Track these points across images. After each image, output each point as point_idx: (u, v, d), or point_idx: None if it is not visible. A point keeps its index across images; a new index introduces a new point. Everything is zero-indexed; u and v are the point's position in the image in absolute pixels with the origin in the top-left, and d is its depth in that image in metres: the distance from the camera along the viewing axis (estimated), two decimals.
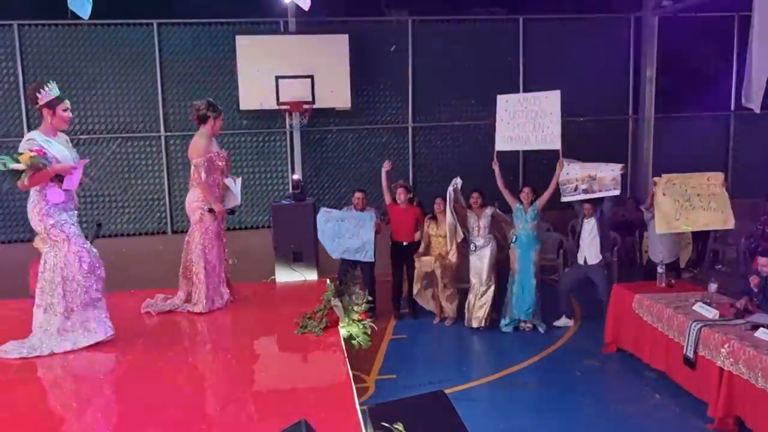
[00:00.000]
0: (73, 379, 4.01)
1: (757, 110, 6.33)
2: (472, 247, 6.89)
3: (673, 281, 6.02)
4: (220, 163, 5.24)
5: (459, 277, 7.12)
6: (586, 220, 6.70)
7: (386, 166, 7.24)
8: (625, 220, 8.84)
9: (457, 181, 6.80)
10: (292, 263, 6.46)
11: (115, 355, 4.30)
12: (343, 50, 8.70)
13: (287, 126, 9.13)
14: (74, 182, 4.30)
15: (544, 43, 9.50)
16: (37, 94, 4.19)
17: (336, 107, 8.91)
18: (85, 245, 4.38)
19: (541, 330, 6.73)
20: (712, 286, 5.46)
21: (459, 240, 6.88)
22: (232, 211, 5.36)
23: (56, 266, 4.27)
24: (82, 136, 8.76)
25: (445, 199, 6.85)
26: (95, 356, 4.29)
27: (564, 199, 6.79)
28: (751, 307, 5.00)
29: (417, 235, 7.18)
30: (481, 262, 6.84)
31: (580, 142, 8.61)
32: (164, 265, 6.33)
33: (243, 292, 5.79)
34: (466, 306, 6.92)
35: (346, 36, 8.75)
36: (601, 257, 6.69)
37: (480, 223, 6.85)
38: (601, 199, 6.64)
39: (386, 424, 2.74)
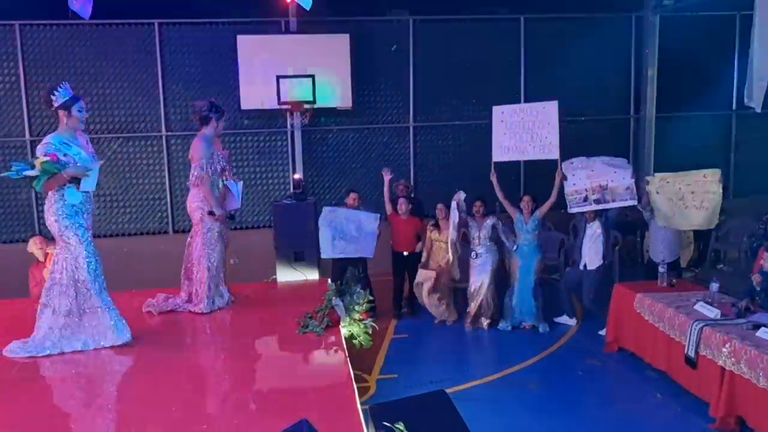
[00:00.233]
0: (74, 378, 4.01)
1: (758, 109, 6.32)
2: (472, 255, 6.88)
3: (674, 281, 6.02)
4: (219, 165, 5.21)
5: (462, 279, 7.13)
6: (588, 224, 6.66)
7: (387, 175, 7.20)
8: (626, 219, 8.83)
9: (460, 196, 6.75)
10: (294, 263, 6.46)
11: (116, 355, 4.30)
12: (344, 50, 8.71)
13: (288, 126, 9.13)
14: (91, 184, 4.30)
15: (545, 43, 9.50)
16: (52, 97, 4.20)
17: (337, 107, 8.92)
18: (96, 250, 4.37)
19: (541, 330, 6.72)
20: (714, 286, 5.45)
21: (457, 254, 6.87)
22: (231, 216, 5.28)
23: (66, 268, 4.26)
24: None
25: (447, 206, 6.85)
26: (96, 356, 4.29)
27: (571, 211, 6.72)
28: (753, 307, 5.00)
29: (419, 246, 7.18)
30: (481, 269, 6.84)
31: (581, 141, 8.59)
32: (165, 265, 6.33)
33: (244, 291, 5.79)
34: (467, 312, 6.91)
35: (347, 36, 8.75)
36: (600, 263, 6.65)
37: (481, 232, 6.84)
38: None
39: (387, 424, 2.74)
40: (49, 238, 6.46)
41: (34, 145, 8.71)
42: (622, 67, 9.90)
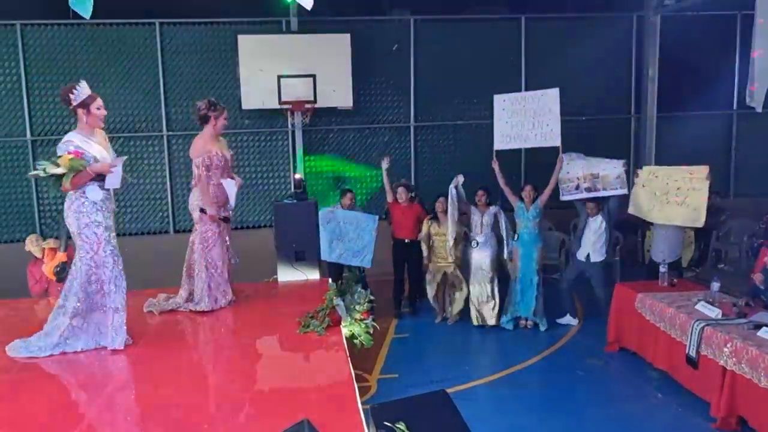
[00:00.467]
0: (74, 378, 4.02)
1: (759, 109, 6.31)
2: (473, 243, 6.88)
3: (675, 280, 6.01)
4: (218, 163, 5.18)
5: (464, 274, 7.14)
6: (591, 218, 6.66)
7: (385, 163, 7.24)
8: (627, 219, 8.83)
9: (459, 179, 6.77)
10: (294, 262, 6.45)
11: (116, 354, 4.30)
12: (345, 49, 8.70)
13: (289, 125, 9.14)
14: (115, 181, 4.27)
15: (546, 42, 9.49)
16: (70, 95, 4.19)
17: (338, 106, 8.91)
18: (116, 250, 4.35)
19: (542, 328, 6.73)
20: (715, 285, 5.45)
21: (456, 243, 6.86)
22: (225, 219, 5.25)
23: (81, 269, 4.26)
24: None
25: (447, 198, 6.85)
26: (96, 355, 4.28)
27: (563, 198, 6.80)
28: (754, 303, 5.00)
29: (419, 235, 7.18)
30: (481, 258, 6.84)
31: (581, 141, 8.58)
32: (167, 265, 6.33)
33: (245, 291, 5.79)
34: (471, 303, 6.91)
35: (348, 35, 8.75)
36: (604, 257, 6.66)
37: (483, 220, 6.85)
38: (606, 198, 6.63)
39: (388, 424, 2.74)
40: (48, 237, 6.50)
41: (35, 144, 8.74)
42: (623, 67, 9.89)
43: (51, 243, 6.35)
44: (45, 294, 6.21)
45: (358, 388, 3.79)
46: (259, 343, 4.69)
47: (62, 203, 8.96)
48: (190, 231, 5.45)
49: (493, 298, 6.84)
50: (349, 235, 6.79)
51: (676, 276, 6.14)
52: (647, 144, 9.89)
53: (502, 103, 7.04)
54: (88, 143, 4.22)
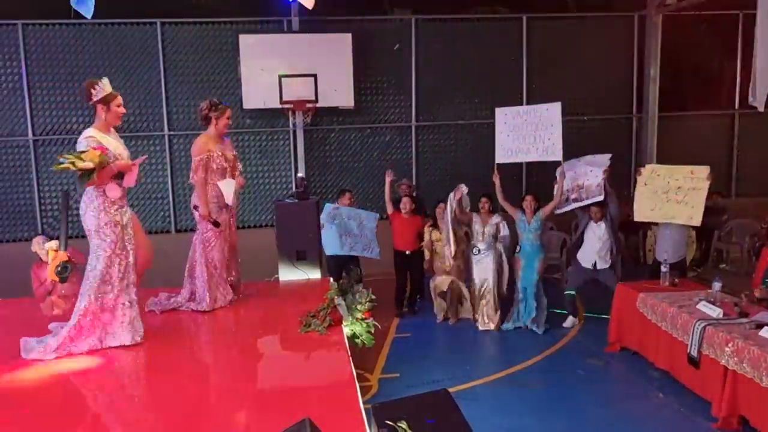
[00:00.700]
0: (74, 377, 4.01)
1: (761, 108, 6.30)
2: (474, 250, 6.88)
3: (676, 280, 6.00)
4: (214, 164, 5.16)
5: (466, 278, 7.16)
6: (596, 225, 6.64)
7: (389, 176, 7.21)
8: (628, 219, 8.83)
9: (463, 189, 6.76)
10: (296, 262, 6.46)
11: (117, 353, 4.30)
12: (346, 49, 8.71)
13: (290, 125, 9.15)
14: (132, 180, 4.30)
15: (547, 42, 9.49)
16: (92, 90, 4.20)
17: (339, 106, 8.93)
18: (129, 248, 4.36)
19: (539, 332, 6.69)
20: (716, 285, 5.44)
21: (453, 248, 6.83)
22: (215, 223, 5.20)
23: (96, 267, 4.27)
24: None
25: (445, 204, 6.85)
26: (97, 354, 4.28)
27: (558, 212, 6.85)
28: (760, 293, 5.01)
29: (422, 243, 7.19)
30: (483, 266, 6.84)
31: (583, 140, 8.61)
32: (168, 264, 6.33)
33: (246, 290, 5.79)
34: (473, 308, 6.92)
35: (350, 35, 8.75)
36: (610, 262, 6.65)
37: (485, 229, 6.84)
38: (606, 203, 6.61)
39: (390, 423, 2.74)
40: (53, 237, 6.47)
41: (36, 144, 8.75)
42: (624, 67, 9.89)
43: (54, 245, 6.30)
44: (49, 296, 6.19)
45: (360, 387, 3.79)
46: (260, 343, 4.69)
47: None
48: (191, 230, 5.47)
49: (493, 304, 6.83)
50: (353, 230, 6.83)
51: (678, 276, 6.12)
52: (649, 144, 9.89)
53: (503, 116, 7.02)
54: (106, 140, 4.25)
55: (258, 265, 6.80)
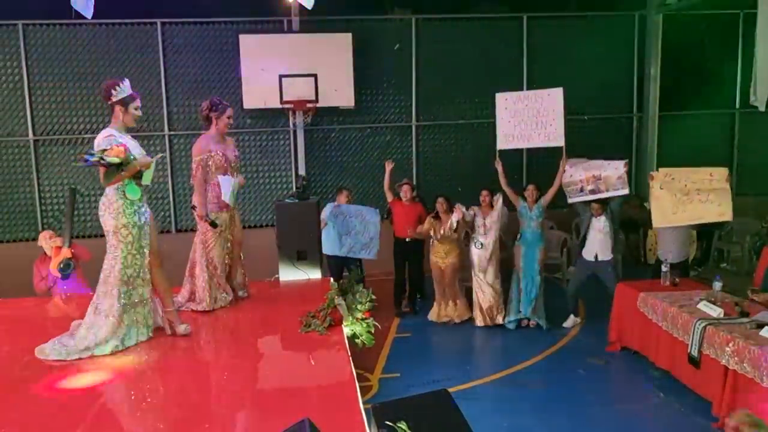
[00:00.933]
0: (73, 377, 4.01)
1: (762, 108, 6.30)
2: (477, 244, 6.88)
3: (677, 280, 6.00)
4: (213, 164, 5.15)
5: (462, 275, 7.14)
6: (596, 219, 6.64)
7: (389, 165, 7.26)
8: (629, 218, 8.84)
9: (461, 209, 6.80)
10: (296, 261, 6.45)
11: (117, 353, 4.30)
12: (346, 49, 8.71)
13: (291, 125, 9.15)
14: (148, 178, 4.35)
15: (547, 42, 9.49)
16: (113, 91, 4.22)
17: (339, 106, 8.92)
18: (145, 248, 4.37)
19: (543, 327, 6.72)
20: (717, 285, 5.44)
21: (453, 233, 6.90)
22: (213, 223, 5.18)
23: (114, 267, 4.27)
24: (86, 135, 8.80)
25: (446, 199, 6.95)
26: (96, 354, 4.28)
27: (571, 201, 6.76)
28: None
29: (418, 228, 7.16)
30: (484, 259, 6.84)
31: (584, 140, 8.60)
32: (168, 264, 6.30)
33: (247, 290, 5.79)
34: (475, 303, 6.92)
35: (350, 35, 8.75)
36: (611, 256, 6.64)
37: (486, 221, 6.85)
38: (608, 198, 6.61)
39: (390, 423, 2.74)
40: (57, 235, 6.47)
41: (37, 144, 8.75)
42: (624, 66, 9.89)
43: (58, 242, 6.34)
44: (48, 292, 6.21)
45: (360, 387, 3.79)
46: (260, 343, 4.68)
47: (64, 203, 9.02)
48: (191, 230, 5.47)
49: (496, 298, 6.84)
50: (356, 228, 6.85)
51: (678, 275, 6.11)
52: (649, 143, 9.89)
53: (504, 101, 6.99)
54: (123, 139, 4.26)
55: (258, 265, 6.79)
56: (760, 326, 4.54)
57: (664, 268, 6.04)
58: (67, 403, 3.62)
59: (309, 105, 8.62)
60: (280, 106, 8.65)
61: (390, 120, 9.50)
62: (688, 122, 9.91)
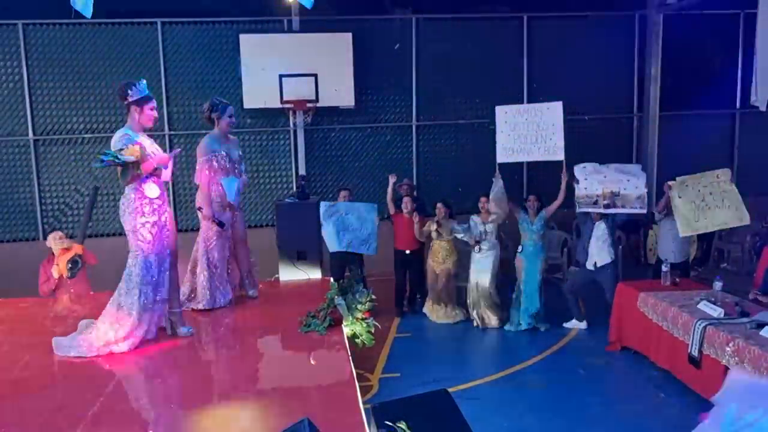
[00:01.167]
0: (73, 378, 4.01)
1: (763, 108, 6.30)
2: (476, 248, 6.88)
3: (678, 279, 5.99)
4: (217, 164, 5.16)
5: (462, 275, 7.15)
6: (596, 225, 6.62)
7: (392, 178, 7.27)
8: (629, 218, 8.82)
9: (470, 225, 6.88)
10: (296, 261, 6.45)
11: (116, 353, 4.29)
12: (346, 49, 8.71)
13: (291, 124, 9.15)
14: (169, 174, 4.41)
15: (548, 42, 9.48)
16: (129, 91, 4.24)
17: (340, 106, 8.92)
18: (165, 247, 4.39)
19: (542, 329, 6.71)
20: (717, 285, 5.44)
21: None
22: (220, 223, 5.21)
23: (136, 266, 4.29)
24: (86, 135, 8.80)
25: (446, 204, 7.02)
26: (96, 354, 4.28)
27: (580, 210, 6.69)
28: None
29: (418, 235, 7.16)
30: (484, 264, 6.83)
31: (584, 140, 8.59)
32: None
33: (246, 290, 5.79)
34: (470, 307, 6.92)
35: (350, 34, 8.75)
36: (610, 260, 6.62)
37: (486, 227, 6.84)
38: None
39: (389, 423, 2.73)
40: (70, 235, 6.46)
41: (37, 144, 8.75)
42: (625, 66, 9.88)
43: (66, 243, 6.31)
44: (52, 294, 6.20)
45: (360, 387, 3.79)
46: (260, 342, 4.69)
47: (64, 203, 9.03)
48: (191, 230, 5.47)
49: (494, 301, 6.84)
50: (353, 224, 6.83)
51: (678, 275, 6.11)
52: (649, 143, 9.88)
53: (503, 114, 6.96)
54: (139, 138, 4.28)
55: (259, 265, 6.80)
56: (761, 326, 4.54)
57: (664, 268, 6.04)
58: (62, 402, 3.61)
59: (309, 105, 8.62)
60: (280, 106, 8.65)
61: (390, 120, 9.50)
62: (689, 122, 9.89)
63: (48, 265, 6.26)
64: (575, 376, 5.61)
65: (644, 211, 6.55)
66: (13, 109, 8.69)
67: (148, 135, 4.45)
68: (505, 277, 7.13)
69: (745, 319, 4.77)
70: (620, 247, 8.13)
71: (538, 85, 9.42)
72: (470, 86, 9.40)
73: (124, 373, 4.09)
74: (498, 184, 6.80)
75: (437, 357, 6.30)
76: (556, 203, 6.70)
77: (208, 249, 5.21)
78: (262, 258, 7.00)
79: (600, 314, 6.58)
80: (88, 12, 4.72)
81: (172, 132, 8.97)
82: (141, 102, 4.28)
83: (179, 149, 4.70)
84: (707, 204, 6.20)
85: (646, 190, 6.49)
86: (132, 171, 4.12)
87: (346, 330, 4.67)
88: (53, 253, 6.26)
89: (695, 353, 4.83)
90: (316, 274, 6.46)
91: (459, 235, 6.93)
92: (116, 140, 4.21)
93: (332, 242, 6.83)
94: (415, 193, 7.76)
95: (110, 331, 4.26)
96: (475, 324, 6.88)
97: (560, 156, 6.66)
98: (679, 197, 6.30)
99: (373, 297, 4.95)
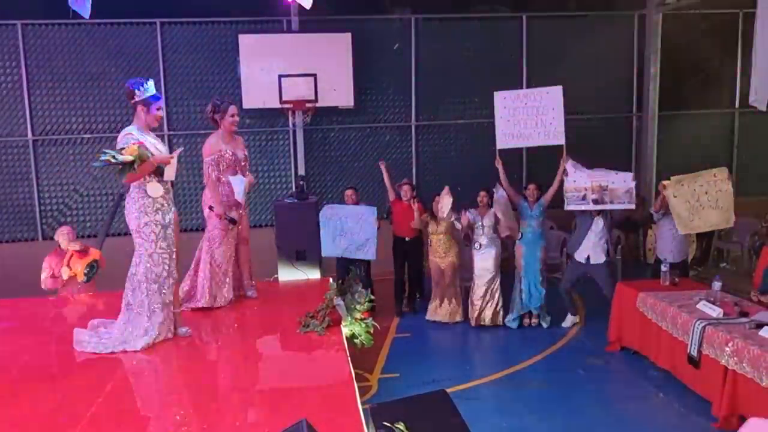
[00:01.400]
0: (73, 378, 4.01)
1: (762, 107, 6.30)
2: (476, 245, 6.87)
3: (677, 279, 5.99)
4: (224, 163, 5.18)
5: (462, 275, 7.14)
6: (595, 219, 6.61)
7: (382, 164, 7.34)
8: (628, 218, 8.82)
9: (469, 216, 6.85)
10: (295, 262, 6.46)
11: (116, 353, 4.29)
12: (346, 48, 8.70)
13: (290, 125, 9.13)
14: (171, 173, 4.38)
15: (547, 41, 9.47)
16: (136, 91, 4.27)
17: (339, 106, 8.91)
18: (171, 247, 4.41)
19: (544, 325, 6.73)
20: (716, 285, 5.43)
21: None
22: (232, 221, 5.23)
23: (140, 265, 4.32)
24: (85, 135, 8.79)
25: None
26: (92, 354, 4.28)
27: (568, 208, 6.70)
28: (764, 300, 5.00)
29: (415, 223, 7.15)
30: (485, 261, 6.83)
31: (584, 140, 8.58)
32: None
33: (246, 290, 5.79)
34: (470, 304, 6.92)
35: (349, 34, 8.74)
36: (605, 258, 6.62)
37: (485, 222, 6.84)
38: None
39: (388, 424, 2.74)
40: (47, 238, 6.44)
41: (36, 144, 8.74)
42: (624, 66, 9.87)
43: (77, 246, 6.20)
44: (54, 292, 6.16)
45: (359, 387, 3.79)
46: (258, 343, 4.69)
47: (63, 203, 9.02)
48: (191, 230, 5.47)
49: (495, 299, 6.84)
50: (352, 228, 6.82)
51: (677, 275, 6.11)
52: (649, 143, 9.87)
53: (502, 100, 6.96)
54: (144, 138, 4.30)
55: (258, 265, 6.79)
56: (760, 326, 4.54)
57: (663, 268, 6.04)
58: (62, 402, 3.61)
59: (308, 105, 8.61)
60: (279, 106, 8.63)
61: (389, 120, 9.49)
62: (688, 122, 9.90)
63: (53, 259, 6.13)
64: (575, 376, 5.61)
65: (632, 206, 6.56)
66: (11, 109, 8.68)
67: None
68: (505, 278, 7.11)
69: (744, 319, 4.77)
70: (620, 246, 8.13)
71: (538, 84, 9.32)
72: (470, 86, 9.39)
73: (124, 373, 4.09)
74: (500, 192, 6.84)
75: (437, 357, 6.30)
76: (552, 189, 6.73)
77: (212, 248, 5.22)
78: (261, 258, 7.01)
79: (599, 312, 6.58)
80: (86, 12, 4.73)
81: (171, 132, 8.96)
82: (148, 102, 4.30)
83: (181, 149, 4.72)
84: (701, 204, 6.24)
85: (634, 183, 6.51)
86: (129, 171, 4.11)
87: (345, 330, 4.67)
88: (60, 246, 6.16)
89: (694, 353, 4.83)
90: (314, 274, 6.46)
91: (456, 223, 6.88)
92: (120, 139, 4.25)
93: (327, 247, 6.81)
94: (414, 192, 7.74)
95: (126, 329, 4.32)
96: (473, 324, 6.87)
97: (561, 140, 6.67)
98: (675, 196, 6.33)
99: (372, 297, 4.95)
